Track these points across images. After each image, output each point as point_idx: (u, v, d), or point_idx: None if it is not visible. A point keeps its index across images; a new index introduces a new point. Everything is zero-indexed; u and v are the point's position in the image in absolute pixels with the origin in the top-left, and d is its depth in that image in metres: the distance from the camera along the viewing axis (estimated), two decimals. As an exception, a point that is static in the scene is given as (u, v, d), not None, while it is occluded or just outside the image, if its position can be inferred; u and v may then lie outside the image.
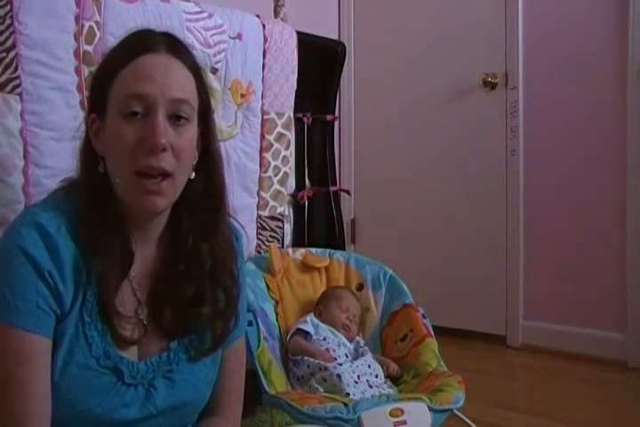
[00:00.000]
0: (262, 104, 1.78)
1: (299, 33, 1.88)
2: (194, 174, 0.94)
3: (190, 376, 0.96)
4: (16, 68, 1.21)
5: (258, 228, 1.81)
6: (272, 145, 1.82)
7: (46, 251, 0.83)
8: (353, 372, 1.46)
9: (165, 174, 0.87)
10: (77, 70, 1.31)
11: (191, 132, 0.91)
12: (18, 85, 1.21)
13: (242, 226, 1.09)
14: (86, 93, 1.27)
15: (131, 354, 0.91)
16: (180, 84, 0.89)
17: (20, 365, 0.82)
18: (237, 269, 1.01)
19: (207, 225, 0.97)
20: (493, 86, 2.72)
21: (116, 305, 0.89)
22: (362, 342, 1.63)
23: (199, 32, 1.56)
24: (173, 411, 0.95)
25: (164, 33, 0.94)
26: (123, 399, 0.89)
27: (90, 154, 0.92)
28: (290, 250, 1.81)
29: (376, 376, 1.49)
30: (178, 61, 0.90)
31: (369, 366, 1.50)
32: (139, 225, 0.93)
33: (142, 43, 0.90)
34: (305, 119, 2.00)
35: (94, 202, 0.89)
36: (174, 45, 0.92)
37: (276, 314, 1.66)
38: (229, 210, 1.00)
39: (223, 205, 0.98)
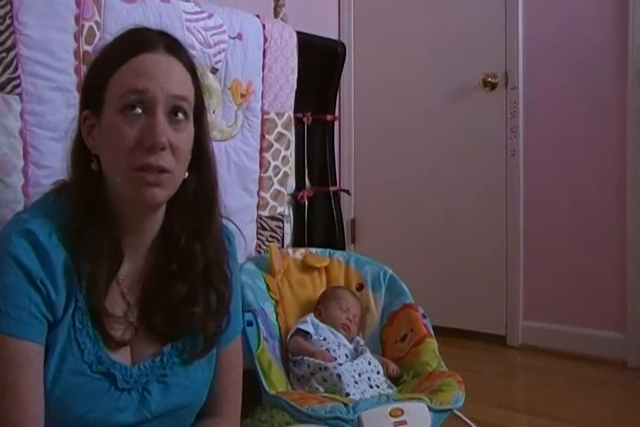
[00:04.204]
0: (262, 104, 1.78)
1: (299, 33, 1.88)
2: (187, 174, 0.93)
3: (185, 379, 0.96)
4: (16, 68, 1.21)
5: (258, 228, 1.81)
6: (272, 145, 1.82)
7: (37, 259, 0.83)
8: (354, 370, 1.46)
9: (164, 171, 0.86)
10: (77, 70, 1.31)
11: (189, 131, 0.91)
12: (18, 85, 1.21)
13: (237, 227, 1.08)
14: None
15: (124, 359, 0.91)
16: (179, 81, 0.90)
17: (14, 372, 0.82)
18: (230, 271, 1.01)
19: (200, 225, 0.96)
20: (493, 86, 2.72)
21: (106, 305, 0.88)
22: (362, 342, 1.63)
23: (199, 32, 1.55)
24: (169, 414, 0.94)
25: (161, 32, 0.94)
26: (117, 404, 0.89)
27: (82, 152, 0.91)
28: (290, 250, 1.81)
29: (377, 373, 1.49)
30: (176, 60, 0.90)
31: (369, 364, 1.50)
32: (131, 226, 0.93)
33: (141, 41, 0.90)
34: (305, 119, 2.00)
35: (86, 202, 0.88)
36: (172, 45, 0.92)
37: (276, 314, 1.66)
38: (223, 211, 1.00)
39: (216, 205, 0.98)
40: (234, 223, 1.07)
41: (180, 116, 0.89)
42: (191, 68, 0.93)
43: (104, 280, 0.88)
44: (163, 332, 0.94)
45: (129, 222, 0.92)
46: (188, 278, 0.95)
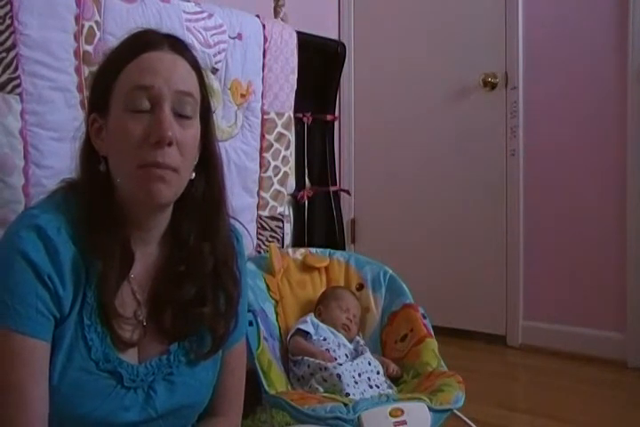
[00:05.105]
0: (262, 104, 1.78)
1: (299, 33, 1.88)
2: (194, 175, 0.94)
3: (190, 379, 0.96)
4: (16, 68, 1.21)
5: (258, 228, 1.81)
6: (272, 145, 1.82)
7: (46, 255, 0.83)
8: (354, 370, 1.45)
9: (170, 169, 0.87)
10: (77, 70, 1.31)
11: (195, 128, 0.92)
12: (18, 85, 1.21)
13: (244, 226, 1.09)
14: (86, 93, 1.27)
15: (130, 357, 0.91)
16: (185, 78, 0.90)
17: (19, 369, 0.81)
18: (238, 271, 1.01)
19: (208, 225, 0.96)
20: (493, 86, 2.72)
21: (116, 306, 0.88)
22: (362, 342, 1.63)
23: (199, 32, 1.55)
24: (173, 413, 0.94)
25: (166, 33, 0.94)
26: (122, 403, 0.89)
27: (91, 154, 0.92)
28: (290, 250, 1.81)
29: (377, 373, 1.49)
30: (181, 58, 0.91)
31: (369, 364, 1.50)
32: (139, 225, 0.93)
33: (146, 41, 0.91)
34: (305, 119, 2.00)
35: (94, 202, 0.89)
36: (177, 44, 0.93)
37: (276, 314, 1.66)
38: (230, 210, 1.00)
39: (224, 205, 0.98)
40: (241, 223, 1.08)
41: (187, 112, 0.89)
42: (196, 67, 0.93)
43: (115, 280, 0.88)
44: (171, 331, 0.94)
45: (137, 222, 0.92)
46: (197, 279, 0.95)
